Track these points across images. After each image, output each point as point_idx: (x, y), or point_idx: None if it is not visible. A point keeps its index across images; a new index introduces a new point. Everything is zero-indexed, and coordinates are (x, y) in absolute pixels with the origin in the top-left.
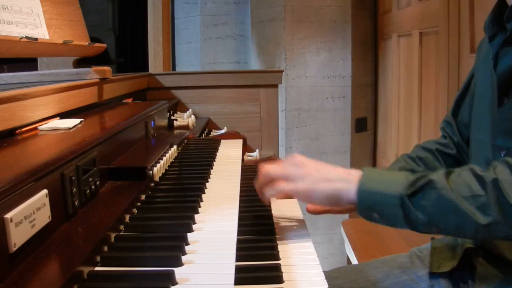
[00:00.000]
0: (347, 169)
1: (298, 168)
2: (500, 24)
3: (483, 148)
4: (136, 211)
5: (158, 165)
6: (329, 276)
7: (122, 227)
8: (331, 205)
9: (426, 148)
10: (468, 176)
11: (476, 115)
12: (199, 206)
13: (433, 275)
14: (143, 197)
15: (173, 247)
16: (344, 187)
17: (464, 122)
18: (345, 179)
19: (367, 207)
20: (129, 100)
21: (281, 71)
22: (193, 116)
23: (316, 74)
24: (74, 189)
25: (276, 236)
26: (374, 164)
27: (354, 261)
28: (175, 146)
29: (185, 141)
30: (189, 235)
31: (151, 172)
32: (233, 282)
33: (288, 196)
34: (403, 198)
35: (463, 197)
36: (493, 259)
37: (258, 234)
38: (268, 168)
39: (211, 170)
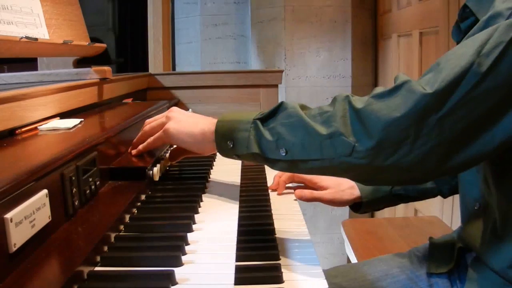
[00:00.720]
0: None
1: (168, 114)
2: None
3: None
4: (136, 211)
5: (158, 165)
6: (329, 274)
7: (122, 227)
8: (197, 147)
9: None
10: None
11: None
12: (199, 206)
13: (431, 275)
14: (143, 197)
15: (173, 247)
16: (208, 128)
17: None
18: (210, 122)
19: (222, 137)
20: (129, 100)
21: (281, 71)
22: None
23: (316, 74)
24: (74, 189)
25: (276, 236)
26: None
27: (354, 261)
28: (175, 146)
29: None
30: (189, 235)
31: (151, 172)
32: (233, 282)
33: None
34: (255, 121)
35: (310, 115)
36: (480, 261)
37: (258, 234)
38: (145, 127)
39: (211, 170)
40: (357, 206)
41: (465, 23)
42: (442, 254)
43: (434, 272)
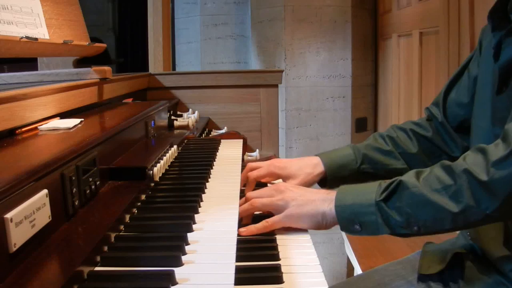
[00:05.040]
0: (327, 190)
1: (282, 195)
2: (504, 14)
3: (483, 135)
4: (136, 211)
5: (158, 165)
6: None
7: (122, 227)
8: (318, 226)
9: (401, 127)
10: (437, 170)
11: (477, 102)
12: (199, 206)
13: (423, 278)
14: (143, 197)
15: (173, 247)
16: (327, 207)
17: (460, 101)
18: (326, 199)
19: (347, 220)
20: (129, 100)
21: (281, 71)
22: (194, 116)
23: (316, 74)
24: (74, 189)
25: (276, 236)
26: None
27: (354, 261)
28: (175, 146)
29: (185, 141)
30: (189, 235)
31: (151, 172)
32: (233, 282)
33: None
34: (379, 203)
35: (434, 190)
36: (481, 263)
37: (258, 234)
38: (255, 202)
39: (211, 170)
40: (324, 181)
41: None
42: (435, 257)
43: (425, 274)
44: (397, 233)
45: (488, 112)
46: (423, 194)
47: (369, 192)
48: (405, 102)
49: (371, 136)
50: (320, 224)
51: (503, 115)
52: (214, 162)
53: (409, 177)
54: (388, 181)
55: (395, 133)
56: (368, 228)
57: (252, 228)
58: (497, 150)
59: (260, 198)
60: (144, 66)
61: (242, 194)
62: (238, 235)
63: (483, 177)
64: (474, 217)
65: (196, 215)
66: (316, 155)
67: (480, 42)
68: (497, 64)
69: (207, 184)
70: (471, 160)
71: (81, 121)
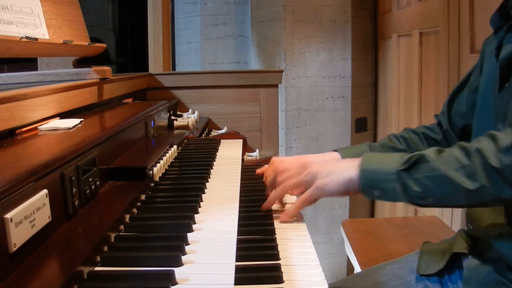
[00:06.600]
0: (351, 158)
1: (308, 169)
2: (507, 16)
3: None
4: (136, 211)
5: (158, 165)
6: None
7: (122, 227)
8: (345, 193)
9: (414, 130)
10: (456, 150)
11: (479, 105)
12: (199, 206)
13: (421, 278)
14: (143, 197)
15: (173, 247)
16: (352, 173)
17: (460, 111)
18: (351, 166)
19: (369, 185)
20: (129, 100)
21: (281, 71)
22: (194, 116)
23: (316, 74)
24: (74, 189)
25: (276, 236)
26: None
27: (354, 261)
28: (175, 146)
29: (185, 141)
30: (189, 235)
31: (151, 172)
32: (233, 282)
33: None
34: (399, 173)
35: (452, 168)
36: (480, 263)
37: (258, 234)
38: (286, 185)
39: (211, 170)
40: None
41: None
42: (433, 257)
43: (424, 274)
44: (414, 202)
45: (492, 111)
46: (442, 170)
47: (391, 161)
48: (405, 102)
49: (386, 137)
50: (348, 189)
51: (505, 111)
52: (214, 162)
53: (430, 152)
54: (411, 154)
55: (408, 135)
56: (387, 194)
57: (289, 210)
58: (506, 137)
59: (288, 179)
60: (144, 66)
61: (242, 194)
62: (279, 221)
63: (495, 163)
64: (487, 197)
65: (196, 215)
66: (334, 150)
67: (482, 53)
68: (498, 61)
69: (207, 184)
70: (483, 144)
71: (81, 121)
